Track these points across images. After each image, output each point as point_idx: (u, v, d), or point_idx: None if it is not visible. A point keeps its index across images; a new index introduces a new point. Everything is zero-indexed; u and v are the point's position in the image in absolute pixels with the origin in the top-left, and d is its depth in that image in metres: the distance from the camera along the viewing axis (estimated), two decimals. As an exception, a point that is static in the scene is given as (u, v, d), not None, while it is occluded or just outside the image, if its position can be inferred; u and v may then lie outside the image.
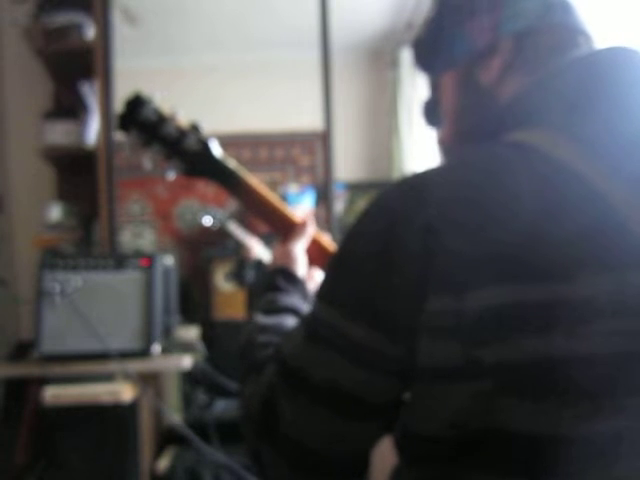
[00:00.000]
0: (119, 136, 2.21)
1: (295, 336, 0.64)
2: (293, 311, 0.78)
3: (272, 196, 0.90)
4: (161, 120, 0.83)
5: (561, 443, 0.52)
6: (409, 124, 3.23)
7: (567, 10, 0.69)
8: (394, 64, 3.31)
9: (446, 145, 0.77)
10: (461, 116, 0.74)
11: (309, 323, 0.63)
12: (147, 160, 0.84)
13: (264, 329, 0.75)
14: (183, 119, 0.85)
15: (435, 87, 0.77)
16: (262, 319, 0.77)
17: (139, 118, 0.82)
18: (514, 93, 0.67)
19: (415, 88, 3.19)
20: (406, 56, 3.23)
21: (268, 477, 0.65)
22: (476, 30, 0.70)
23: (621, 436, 0.52)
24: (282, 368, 0.63)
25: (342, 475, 0.63)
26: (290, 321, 0.76)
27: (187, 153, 0.85)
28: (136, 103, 0.83)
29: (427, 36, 0.75)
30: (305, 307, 0.80)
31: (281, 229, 0.90)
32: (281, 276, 0.83)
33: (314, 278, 0.89)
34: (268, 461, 0.64)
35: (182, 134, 0.84)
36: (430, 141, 3.08)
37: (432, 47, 0.75)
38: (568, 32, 0.69)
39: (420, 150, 3.18)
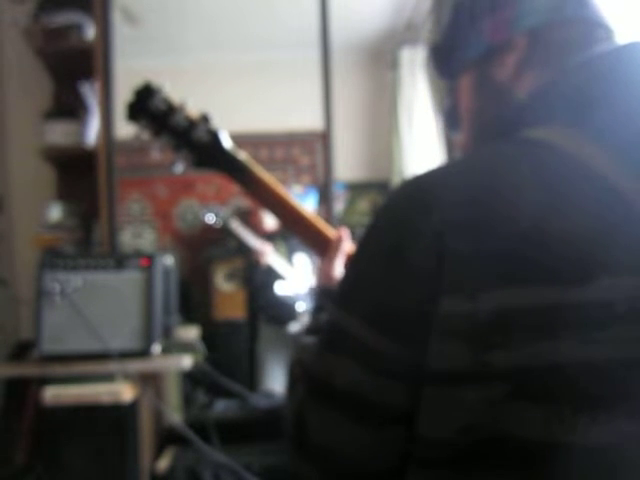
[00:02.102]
0: (120, 134, 2.23)
1: (316, 344, 0.64)
2: None
3: (284, 191, 0.90)
4: (171, 110, 0.83)
5: (573, 450, 0.51)
6: (409, 124, 3.23)
7: (584, 3, 0.67)
8: (394, 64, 3.32)
9: (467, 149, 0.75)
10: (479, 116, 0.73)
11: (325, 329, 0.63)
12: (156, 151, 0.84)
13: (305, 348, 0.75)
14: (193, 109, 0.85)
15: (453, 92, 0.76)
16: (305, 339, 0.77)
17: (149, 107, 0.82)
18: (531, 89, 0.66)
19: (415, 88, 3.19)
20: (406, 56, 3.24)
21: None
22: (490, 28, 0.68)
23: (634, 443, 0.52)
24: (306, 377, 0.63)
25: None
26: None
27: (196, 144, 0.84)
28: (146, 92, 0.82)
29: (444, 41, 0.74)
30: None
31: (293, 225, 0.90)
32: (323, 296, 0.85)
33: None
34: (304, 473, 0.63)
35: (192, 124, 0.84)
36: (430, 141, 3.09)
37: (449, 51, 0.73)
38: (586, 26, 0.67)
39: (420, 150, 3.18)
